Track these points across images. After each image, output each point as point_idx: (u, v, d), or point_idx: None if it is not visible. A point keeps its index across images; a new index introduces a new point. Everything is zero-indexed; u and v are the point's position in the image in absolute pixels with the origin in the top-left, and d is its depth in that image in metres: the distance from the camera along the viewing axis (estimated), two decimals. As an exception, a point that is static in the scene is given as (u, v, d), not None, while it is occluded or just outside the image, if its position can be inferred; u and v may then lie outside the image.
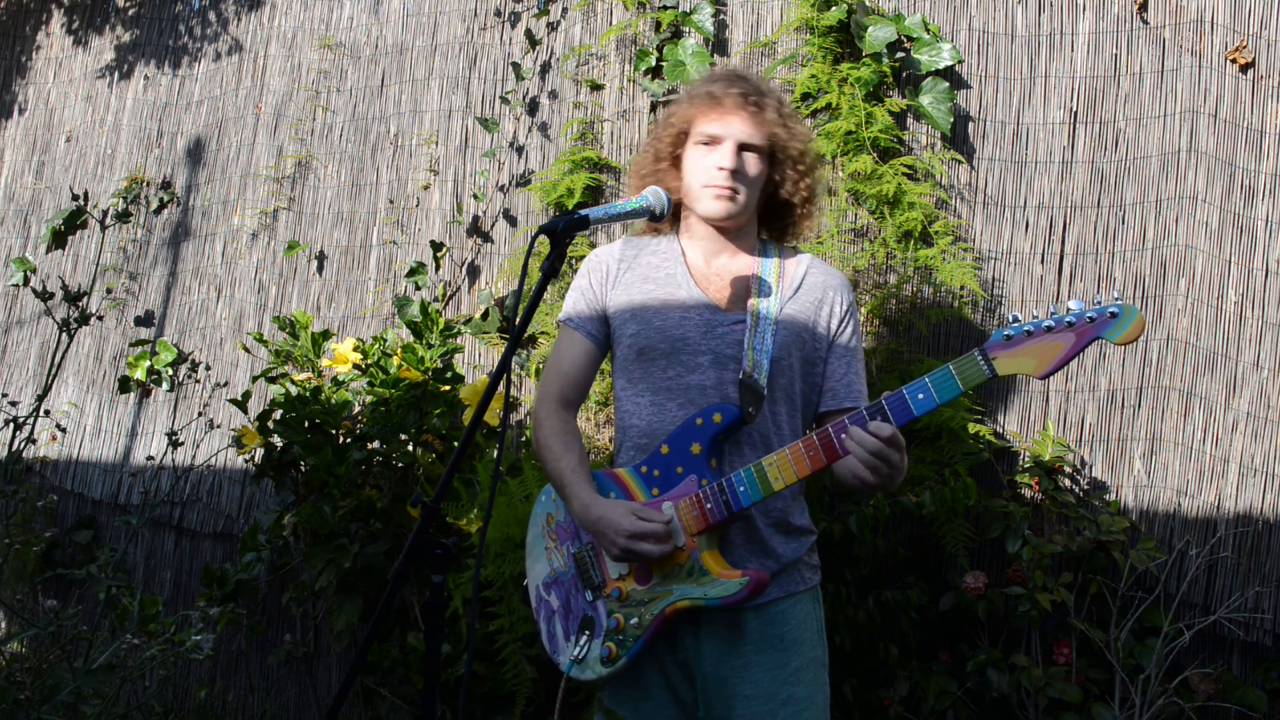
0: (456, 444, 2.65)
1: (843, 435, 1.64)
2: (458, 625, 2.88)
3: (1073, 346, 1.52)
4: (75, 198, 2.99)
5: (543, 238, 1.62)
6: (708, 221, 1.89)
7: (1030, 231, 2.77)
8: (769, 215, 1.96)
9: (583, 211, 1.68)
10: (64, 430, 3.90)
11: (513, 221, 3.31)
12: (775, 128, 1.86)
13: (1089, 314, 1.51)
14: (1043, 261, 2.76)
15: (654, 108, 3.09)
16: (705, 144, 1.85)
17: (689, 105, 1.90)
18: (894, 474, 1.64)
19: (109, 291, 3.91)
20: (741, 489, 1.70)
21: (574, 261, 3.07)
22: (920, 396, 1.61)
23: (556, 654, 1.85)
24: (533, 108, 3.31)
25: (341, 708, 1.73)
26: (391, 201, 3.48)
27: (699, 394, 1.81)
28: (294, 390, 2.97)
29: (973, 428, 2.61)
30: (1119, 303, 1.50)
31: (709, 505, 1.72)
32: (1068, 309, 1.53)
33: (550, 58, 3.30)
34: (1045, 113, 2.77)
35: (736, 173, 1.83)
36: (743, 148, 1.84)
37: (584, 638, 1.79)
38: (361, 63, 3.59)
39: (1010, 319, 1.57)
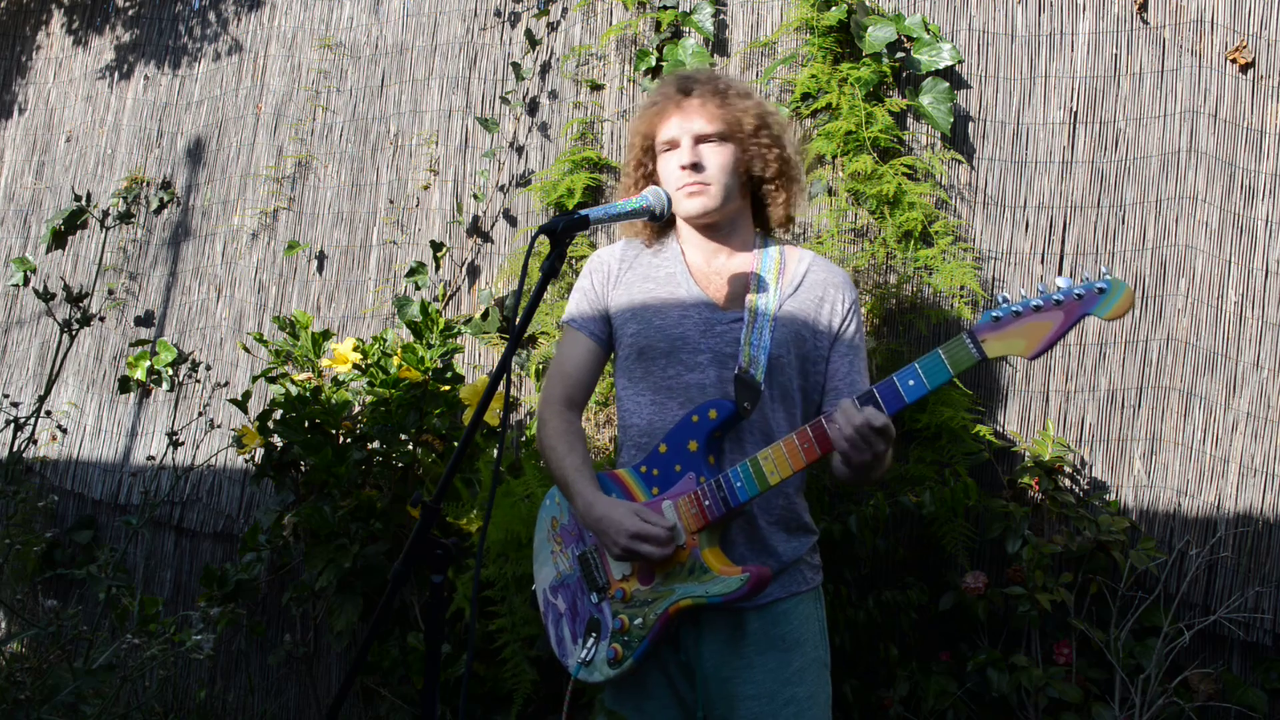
0: (456, 444, 2.65)
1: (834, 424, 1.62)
2: (458, 625, 2.87)
3: (1062, 325, 1.50)
4: (76, 198, 2.98)
5: (543, 238, 1.62)
6: (691, 222, 1.90)
7: (1030, 231, 2.77)
8: (755, 203, 1.94)
9: (583, 211, 1.68)
10: (64, 430, 3.90)
11: (513, 221, 3.31)
12: (723, 110, 1.85)
13: (1077, 291, 1.49)
14: (1043, 261, 2.76)
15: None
16: (668, 150, 1.87)
17: (644, 120, 1.91)
18: (877, 463, 1.62)
19: (109, 292, 3.91)
20: (739, 484, 1.70)
21: (574, 262, 3.07)
22: (910, 383, 1.59)
23: (565, 658, 1.84)
24: (533, 108, 3.31)
25: (341, 708, 1.73)
26: (391, 201, 3.48)
27: (699, 393, 1.80)
28: (294, 390, 2.97)
29: (973, 428, 2.61)
30: (1107, 278, 1.48)
31: (707, 502, 1.72)
32: (1056, 287, 1.51)
33: (550, 58, 3.30)
34: (1045, 113, 2.77)
35: (697, 165, 1.82)
36: (699, 140, 1.84)
37: (590, 640, 1.79)
38: (361, 63, 3.59)
39: (999, 300, 1.55)
